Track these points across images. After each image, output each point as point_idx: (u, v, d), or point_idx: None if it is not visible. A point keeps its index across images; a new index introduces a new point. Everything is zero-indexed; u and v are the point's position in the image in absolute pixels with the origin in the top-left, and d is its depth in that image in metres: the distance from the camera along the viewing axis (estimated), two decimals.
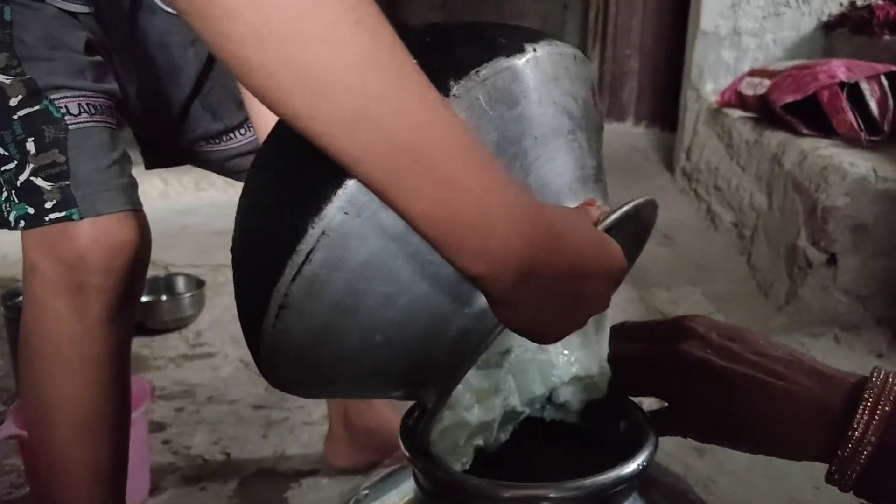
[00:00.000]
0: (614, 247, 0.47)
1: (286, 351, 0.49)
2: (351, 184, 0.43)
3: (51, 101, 0.78)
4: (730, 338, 0.57)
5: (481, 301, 0.46)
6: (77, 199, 0.77)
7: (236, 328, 1.88)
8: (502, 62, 0.49)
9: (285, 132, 0.43)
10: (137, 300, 0.86)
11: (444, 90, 0.47)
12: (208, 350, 1.73)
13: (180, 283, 1.99)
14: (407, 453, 0.56)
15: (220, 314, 1.91)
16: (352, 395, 0.59)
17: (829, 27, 2.67)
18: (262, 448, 1.34)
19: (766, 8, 2.74)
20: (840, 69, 1.97)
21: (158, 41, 0.95)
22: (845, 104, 1.91)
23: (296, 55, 0.35)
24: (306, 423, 1.40)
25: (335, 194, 0.43)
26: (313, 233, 0.43)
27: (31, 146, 0.77)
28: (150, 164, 1.11)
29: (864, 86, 1.93)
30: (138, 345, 1.75)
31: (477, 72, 0.49)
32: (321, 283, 0.45)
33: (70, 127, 0.78)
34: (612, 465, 0.53)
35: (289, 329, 0.47)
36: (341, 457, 1.25)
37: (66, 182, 0.77)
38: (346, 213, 0.43)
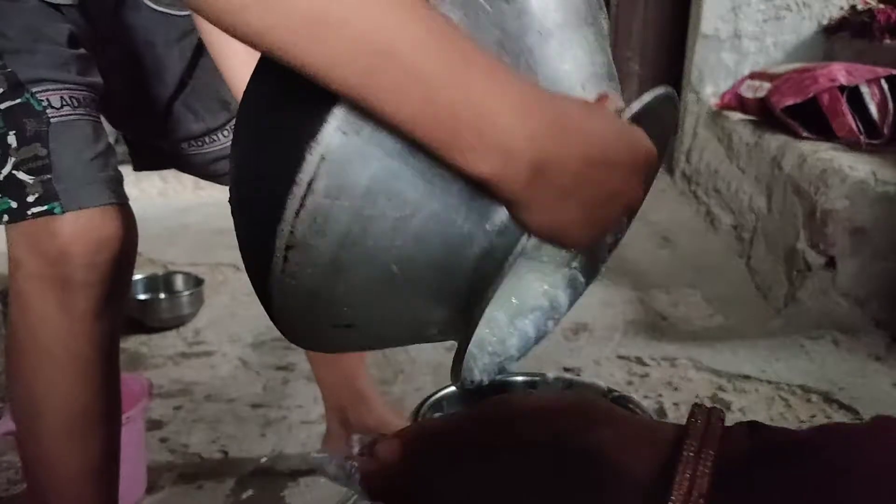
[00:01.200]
0: (640, 135, 0.44)
1: (298, 296, 0.46)
2: (344, 101, 0.40)
3: (32, 95, 0.77)
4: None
5: (501, 214, 0.44)
6: (59, 193, 0.76)
7: (235, 327, 1.88)
8: None
9: (267, 66, 0.42)
10: (125, 295, 0.86)
11: None
12: (207, 349, 1.73)
13: (179, 282, 1.98)
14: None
15: (218, 313, 1.91)
16: (372, 342, 0.55)
17: (830, 31, 2.67)
18: (259, 447, 1.33)
19: (767, 11, 2.74)
20: (840, 72, 1.97)
21: (144, 38, 0.95)
22: (845, 107, 1.92)
23: None
24: (304, 423, 1.40)
25: (330, 113, 0.40)
26: (312, 159, 0.40)
27: (12, 140, 0.76)
28: (138, 166, 1.11)
29: (865, 89, 1.93)
30: (136, 343, 1.75)
31: None
32: (326, 214, 0.42)
33: (52, 120, 0.77)
34: None
35: (298, 271, 0.44)
36: None
37: (48, 176, 0.77)
38: (343, 133, 0.40)
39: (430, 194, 0.43)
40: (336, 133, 0.40)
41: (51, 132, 0.77)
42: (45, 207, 0.76)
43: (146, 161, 1.11)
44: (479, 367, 0.59)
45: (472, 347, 0.55)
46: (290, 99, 0.42)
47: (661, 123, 0.59)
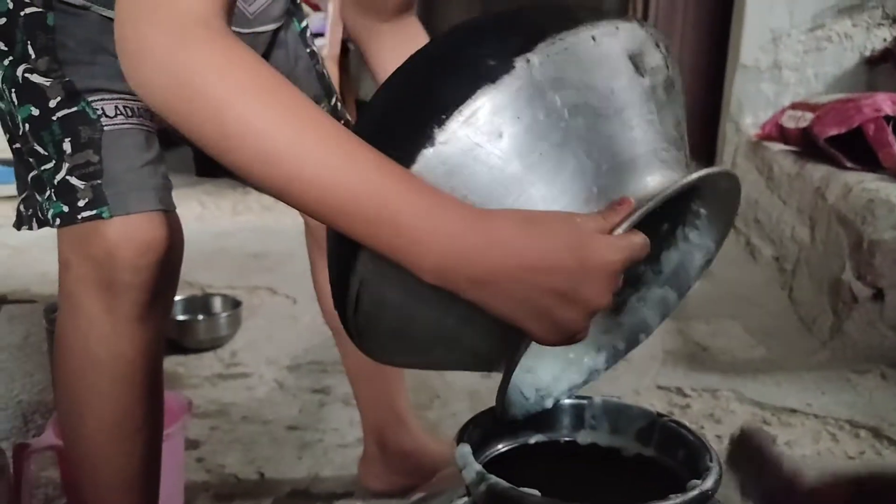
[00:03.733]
0: (601, 246, 0.49)
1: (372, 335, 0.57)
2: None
3: (88, 103, 0.79)
4: None
5: None
6: (108, 198, 0.78)
7: (271, 349, 1.89)
8: (485, 92, 0.50)
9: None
10: (169, 301, 0.86)
11: (430, 140, 0.50)
12: (243, 370, 1.73)
13: (217, 304, 1.99)
14: (467, 465, 0.55)
15: (255, 335, 1.91)
16: (434, 368, 0.67)
17: (872, 62, 2.64)
18: (296, 469, 1.32)
19: (808, 43, 2.72)
20: (886, 103, 1.94)
21: None
22: (892, 138, 1.88)
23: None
24: (341, 446, 1.39)
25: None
26: (353, 281, 0.54)
27: (67, 146, 0.78)
28: (200, 172, 1.12)
29: None
30: (174, 363, 1.76)
31: (460, 111, 0.50)
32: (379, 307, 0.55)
33: (105, 128, 0.79)
34: (674, 492, 0.51)
35: (367, 321, 0.56)
36: (376, 479, 1.23)
37: (99, 181, 0.78)
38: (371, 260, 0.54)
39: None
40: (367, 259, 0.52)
41: (103, 140, 0.79)
42: (95, 212, 0.77)
43: (207, 167, 1.12)
44: (518, 406, 0.60)
45: (515, 384, 0.58)
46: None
47: (716, 197, 0.60)
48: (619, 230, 0.50)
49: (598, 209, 0.52)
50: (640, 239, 0.51)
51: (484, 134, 0.50)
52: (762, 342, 1.87)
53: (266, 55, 1.00)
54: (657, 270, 0.65)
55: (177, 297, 1.96)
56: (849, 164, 1.98)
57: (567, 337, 0.52)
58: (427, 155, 0.50)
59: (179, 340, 1.81)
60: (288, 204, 0.51)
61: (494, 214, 0.49)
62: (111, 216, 0.77)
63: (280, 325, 1.97)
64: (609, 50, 0.53)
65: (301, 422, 1.48)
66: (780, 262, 2.25)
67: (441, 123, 0.50)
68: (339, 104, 1.10)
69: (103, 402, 0.82)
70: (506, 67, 0.50)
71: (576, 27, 0.52)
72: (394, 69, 0.56)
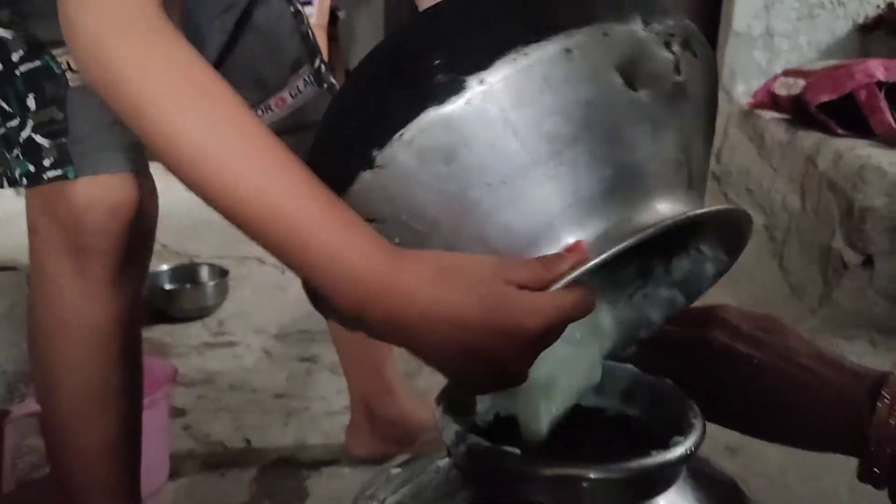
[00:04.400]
0: (519, 308, 0.44)
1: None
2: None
3: (52, 58, 0.76)
4: (760, 328, 0.57)
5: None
6: (74, 157, 0.75)
7: (259, 319, 1.88)
8: (430, 115, 0.44)
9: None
10: (143, 266, 0.84)
11: (368, 163, 0.46)
12: (231, 339, 1.72)
13: (204, 273, 1.98)
14: (446, 426, 0.53)
15: (243, 305, 1.90)
16: None
17: (865, 29, 2.63)
18: (282, 437, 1.32)
19: (801, 10, 2.69)
20: (878, 68, 1.93)
21: (185, 6, 0.93)
22: (883, 104, 1.87)
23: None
24: (328, 414, 1.39)
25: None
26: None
27: (31, 102, 0.75)
28: None
29: None
30: (161, 332, 1.74)
31: (401, 135, 0.45)
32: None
33: (70, 84, 0.76)
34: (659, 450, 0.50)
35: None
36: (362, 447, 1.22)
37: (64, 139, 0.75)
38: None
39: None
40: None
41: (69, 96, 0.76)
42: (60, 171, 0.75)
43: None
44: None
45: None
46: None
47: (722, 229, 0.55)
48: (557, 286, 0.44)
49: (559, 247, 0.46)
50: (573, 299, 0.45)
51: (427, 160, 0.45)
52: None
53: (248, 13, 0.98)
54: (668, 270, 0.62)
55: (164, 267, 1.95)
56: (840, 131, 1.96)
57: (480, 391, 0.50)
58: (365, 178, 0.46)
59: (166, 309, 1.80)
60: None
61: (408, 259, 0.45)
62: (77, 176, 0.75)
63: (268, 295, 1.96)
64: (589, 63, 0.45)
65: (288, 390, 1.48)
66: (771, 230, 2.25)
67: (381, 145, 0.45)
68: (323, 66, 1.08)
69: (77, 370, 0.81)
70: (456, 87, 0.44)
71: (548, 36, 0.44)
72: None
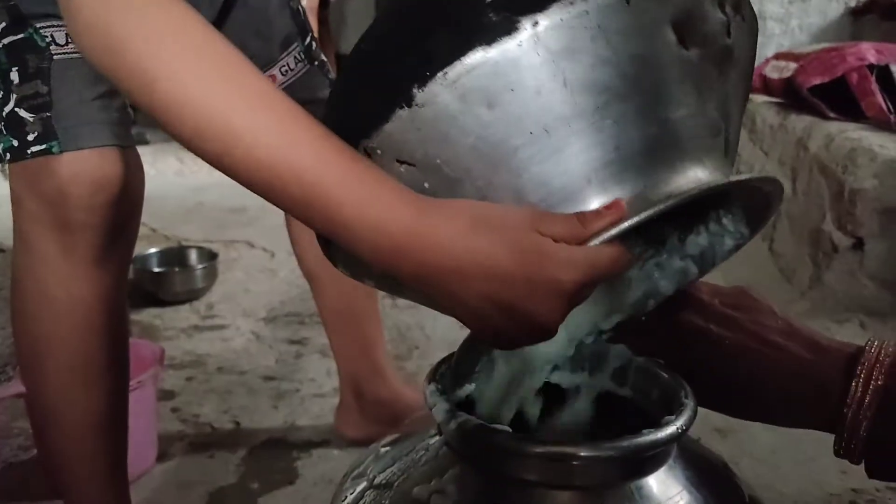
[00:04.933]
0: (556, 261, 0.43)
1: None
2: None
3: (36, 30, 0.74)
4: (731, 305, 0.57)
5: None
6: (58, 132, 0.74)
7: (248, 301, 1.88)
8: (477, 55, 0.42)
9: None
10: (129, 242, 0.83)
11: (407, 100, 0.44)
12: (219, 322, 1.71)
13: (193, 256, 1.97)
14: (437, 403, 0.53)
15: (232, 288, 1.89)
16: None
17: (857, 13, 2.62)
18: (271, 418, 1.31)
19: None
20: (870, 51, 1.92)
21: None
22: (875, 87, 1.87)
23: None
24: (317, 395, 1.38)
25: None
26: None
27: (14, 76, 0.74)
28: None
29: (895, 68, 1.88)
30: (150, 315, 1.74)
31: (445, 73, 0.43)
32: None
33: (55, 57, 0.74)
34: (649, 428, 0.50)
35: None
36: (352, 428, 1.22)
37: (48, 113, 0.74)
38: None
39: None
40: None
41: (53, 69, 0.74)
42: (44, 146, 0.74)
43: None
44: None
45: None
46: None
47: (751, 199, 0.54)
48: (594, 241, 0.43)
49: (595, 204, 0.45)
50: (610, 256, 0.44)
51: (469, 102, 0.43)
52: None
53: None
54: (682, 239, 0.60)
55: (153, 250, 1.94)
56: (831, 115, 1.96)
57: (510, 346, 0.49)
58: (402, 116, 0.44)
59: (155, 292, 1.79)
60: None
61: (440, 210, 0.44)
62: (61, 151, 0.74)
63: (257, 278, 1.95)
64: (645, 15, 0.44)
65: (277, 372, 1.47)
66: None
67: (423, 82, 0.43)
68: (313, 44, 1.06)
69: (62, 347, 0.80)
70: (508, 27, 0.42)
71: None
72: None
